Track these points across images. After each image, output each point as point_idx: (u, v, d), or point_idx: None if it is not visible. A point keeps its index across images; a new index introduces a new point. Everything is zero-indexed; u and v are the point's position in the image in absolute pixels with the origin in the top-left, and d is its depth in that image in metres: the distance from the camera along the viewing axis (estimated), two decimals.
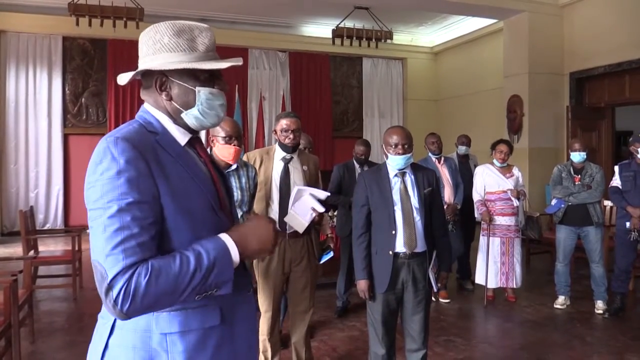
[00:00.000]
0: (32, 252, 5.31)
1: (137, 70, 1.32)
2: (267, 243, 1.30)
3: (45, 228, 9.50)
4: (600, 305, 4.87)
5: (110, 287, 1.10)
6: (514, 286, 5.18)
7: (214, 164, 1.45)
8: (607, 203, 6.08)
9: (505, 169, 5.19)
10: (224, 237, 1.23)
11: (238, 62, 1.33)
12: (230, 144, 2.89)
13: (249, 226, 1.31)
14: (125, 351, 1.23)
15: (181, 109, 1.32)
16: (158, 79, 1.31)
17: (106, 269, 1.12)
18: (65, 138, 9.83)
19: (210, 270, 1.18)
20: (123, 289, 1.10)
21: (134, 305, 1.11)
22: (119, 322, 1.24)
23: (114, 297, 1.10)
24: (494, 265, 5.15)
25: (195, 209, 1.25)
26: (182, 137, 1.34)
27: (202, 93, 1.32)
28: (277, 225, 1.37)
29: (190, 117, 1.33)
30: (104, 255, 1.12)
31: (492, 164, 5.24)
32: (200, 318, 1.26)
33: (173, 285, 1.13)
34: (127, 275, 1.10)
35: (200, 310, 1.25)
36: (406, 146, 2.84)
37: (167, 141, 1.29)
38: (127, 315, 1.13)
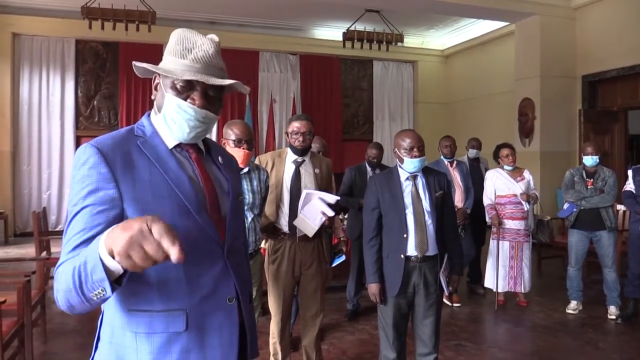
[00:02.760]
0: (44, 253, 5.37)
1: (134, 64, 1.38)
2: (117, 247, 0.98)
3: (58, 229, 9.55)
4: (612, 311, 4.82)
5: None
6: (522, 291, 5.14)
7: (217, 167, 1.45)
8: (620, 207, 6.02)
9: (516, 173, 5.16)
10: (106, 231, 1.07)
11: (206, 79, 1.29)
12: (240, 147, 2.90)
13: (129, 221, 1.04)
14: (106, 346, 1.30)
15: (156, 110, 1.38)
16: (155, 78, 1.38)
17: None
18: (78, 140, 9.89)
19: (84, 268, 1.07)
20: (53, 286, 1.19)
21: (58, 302, 1.17)
22: (105, 317, 1.32)
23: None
24: (502, 269, 5.12)
25: (163, 212, 1.22)
26: (171, 140, 1.36)
27: (169, 100, 1.32)
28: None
29: (158, 120, 1.36)
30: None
31: (502, 167, 5.21)
32: (165, 322, 1.26)
33: (65, 282, 1.13)
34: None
35: (164, 315, 1.26)
36: (421, 148, 2.84)
37: (150, 145, 1.32)
38: (65, 311, 1.19)
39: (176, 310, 1.27)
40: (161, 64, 1.35)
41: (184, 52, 1.32)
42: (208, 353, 1.31)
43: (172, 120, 1.33)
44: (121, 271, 1.06)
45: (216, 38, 1.38)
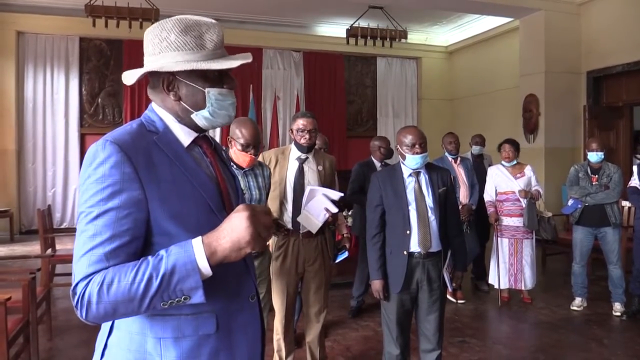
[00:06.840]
0: (49, 251, 5.39)
1: (144, 71, 1.28)
2: (244, 237, 1.11)
3: (63, 227, 9.61)
4: (617, 307, 4.80)
5: (73, 293, 1.11)
6: (522, 288, 5.13)
7: (224, 162, 1.42)
8: (625, 203, 6.00)
9: (516, 169, 5.14)
10: (195, 240, 1.13)
11: (247, 59, 1.29)
12: (247, 152, 2.87)
13: (224, 222, 1.15)
14: (122, 352, 1.23)
15: (191, 109, 1.29)
16: (165, 79, 1.27)
17: (74, 274, 1.13)
18: (82, 138, 9.94)
19: (169, 277, 1.09)
20: (80, 296, 1.10)
21: (92, 313, 1.10)
22: (116, 322, 1.24)
23: (74, 303, 1.11)
24: (503, 265, 5.12)
25: (189, 213, 1.21)
26: (185, 138, 1.30)
27: (212, 94, 1.28)
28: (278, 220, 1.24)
29: (200, 117, 1.30)
30: (75, 259, 1.14)
31: (503, 164, 5.20)
32: (194, 325, 1.23)
33: (127, 293, 1.09)
34: (84, 283, 1.11)
35: (194, 318, 1.22)
36: (423, 145, 2.84)
37: (166, 141, 1.26)
38: (88, 321, 1.13)
39: (206, 312, 1.23)
40: (171, 64, 1.24)
41: (197, 41, 1.26)
42: (236, 352, 1.29)
43: (217, 111, 1.30)
44: (209, 275, 1.13)
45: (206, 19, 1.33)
